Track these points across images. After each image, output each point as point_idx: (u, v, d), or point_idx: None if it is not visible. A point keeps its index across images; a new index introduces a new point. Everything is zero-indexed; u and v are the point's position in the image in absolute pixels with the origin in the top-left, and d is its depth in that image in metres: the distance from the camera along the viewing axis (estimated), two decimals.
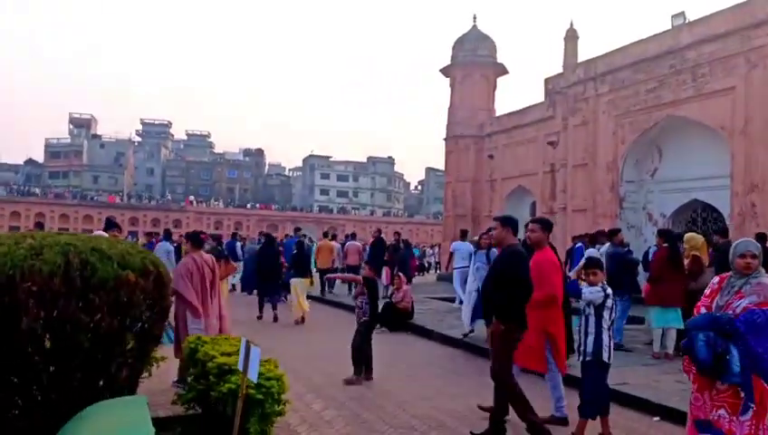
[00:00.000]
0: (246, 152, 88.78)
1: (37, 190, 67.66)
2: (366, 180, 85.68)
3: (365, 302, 6.78)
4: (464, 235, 13.30)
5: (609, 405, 4.84)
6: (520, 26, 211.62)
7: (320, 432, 4.86)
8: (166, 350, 4.96)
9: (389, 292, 12.29)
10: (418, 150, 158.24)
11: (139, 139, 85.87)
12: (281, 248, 14.96)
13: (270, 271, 11.84)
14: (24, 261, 3.02)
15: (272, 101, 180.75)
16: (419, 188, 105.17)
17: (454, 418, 5.40)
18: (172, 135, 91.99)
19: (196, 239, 6.29)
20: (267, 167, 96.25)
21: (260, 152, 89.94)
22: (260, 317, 11.45)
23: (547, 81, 18.53)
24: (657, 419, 5.44)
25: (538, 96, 21.03)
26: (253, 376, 3.29)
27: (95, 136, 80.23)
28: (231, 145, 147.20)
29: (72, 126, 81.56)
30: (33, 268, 3.02)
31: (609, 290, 4.88)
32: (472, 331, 8.97)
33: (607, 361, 4.73)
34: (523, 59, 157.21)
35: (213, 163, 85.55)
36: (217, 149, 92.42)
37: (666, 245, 7.96)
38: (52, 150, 76.44)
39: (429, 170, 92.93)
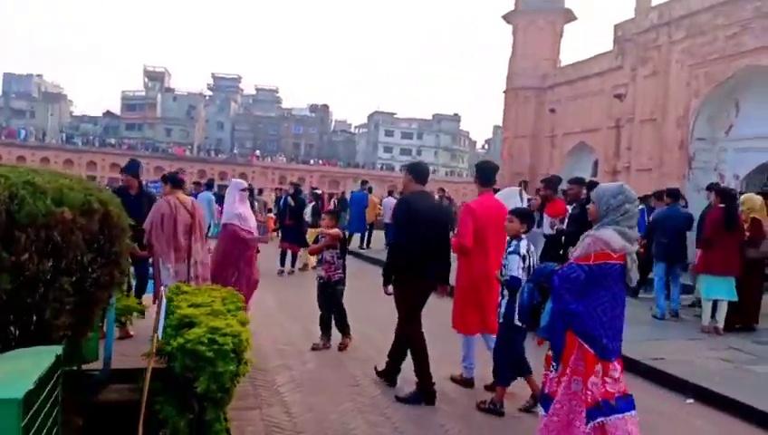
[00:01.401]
0: (312, 108, 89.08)
1: (113, 141, 70.59)
2: (430, 138, 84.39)
3: (336, 256, 6.17)
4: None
5: (529, 366, 4.45)
6: None
7: (303, 394, 4.53)
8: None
9: None
10: (487, 107, 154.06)
11: (210, 93, 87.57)
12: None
13: (293, 221, 11.61)
14: None
15: (341, 57, 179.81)
16: (486, 146, 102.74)
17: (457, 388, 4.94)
18: (242, 89, 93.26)
19: (174, 180, 6.00)
20: (333, 123, 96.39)
21: (325, 108, 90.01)
22: (281, 272, 11.28)
23: (617, 27, 17.00)
24: (690, 401, 4.79)
25: (607, 45, 19.44)
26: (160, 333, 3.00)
27: (168, 89, 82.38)
28: (298, 100, 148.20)
29: (146, 79, 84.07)
30: None
31: (523, 244, 4.40)
32: None
33: (519, 324, 4.19)
34: (594, 3, 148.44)
35: (280, 118, 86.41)
36: (285, 105, 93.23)
37: (722, 205, 7.05)
38: (128, 103, 79.23)
39: (497, 128, 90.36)
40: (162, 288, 4.14)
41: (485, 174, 5.03)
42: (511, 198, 11.09)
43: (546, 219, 8.16)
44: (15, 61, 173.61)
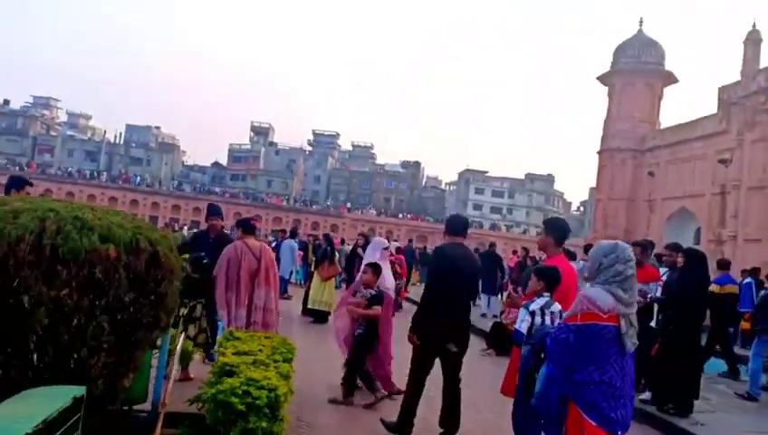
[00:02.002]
0: (404, 164, 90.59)
1: (217, 190, 74.85)
2: (522, 198, 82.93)
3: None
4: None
5: None
6: (692, 29, 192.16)
7: None
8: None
9: (500, 311, 11.32)
10: (583, 168, 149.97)
11: (309, 148, 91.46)
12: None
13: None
14: None
15: (435, 116, 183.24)
16: (581, 208, 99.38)
17: None
18: (339, 145, 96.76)
19: (245, 225, 6.04)
20: (425, 179, 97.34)
21: (417, 165, 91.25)
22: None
23: (721, 90, 16.09)
24: None
25: (710, 108, 18.36)
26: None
27: (272, 143, 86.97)
28: (392, 157, 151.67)
29: (252, 133, 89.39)
30: (2, 232, 2.82)
31: (538, 302, 4.06)
32: None
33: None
34: (695, 66, 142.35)
35: (373, 173, 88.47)
36: (379, 161, 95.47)
37: None
38: (235, 155, 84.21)
39: (593, 190, 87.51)
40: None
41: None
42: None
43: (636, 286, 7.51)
44: (136, 113, 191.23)
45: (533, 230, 78.07)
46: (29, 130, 77.14)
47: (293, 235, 15.44)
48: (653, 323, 6.77)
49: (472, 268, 4.84)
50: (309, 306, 11.13)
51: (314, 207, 74.20)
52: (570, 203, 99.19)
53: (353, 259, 11.12)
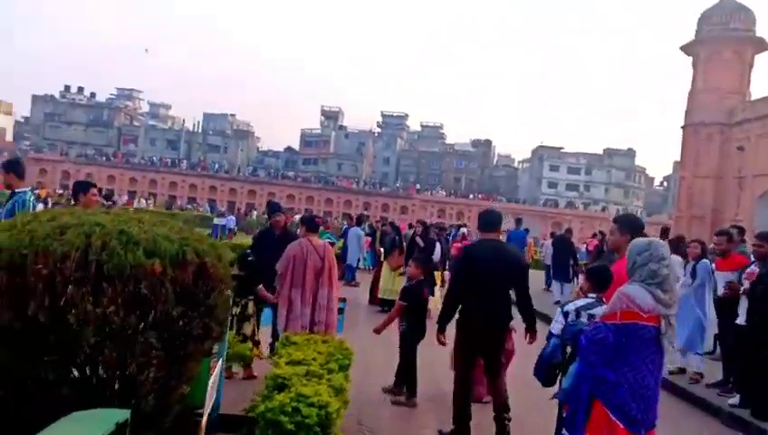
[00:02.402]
0: (475, 143, 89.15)
1: (290, 174, 76.50)
2: (600, 174, 79.77)
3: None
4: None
5: None
6: None
7: None
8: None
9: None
10: (667, 142, 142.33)
11: (378, 130, 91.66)
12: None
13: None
14: (44, 240, 2.83)
15: (507, 92, 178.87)
16: (665, 184, 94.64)
17: None
18: (408, 126, 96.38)
19: (309, 223, 5.96)
20: (496, 157, 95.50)
21: (488, 143, 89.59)
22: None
23: None
24: None
25: None
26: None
27: (341, 127, 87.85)
28: (462, 136, 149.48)
29: (323, 118, 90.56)
30: (48, 249, 2.80)
31: (577, 302, 3.78)
32: (683, 370, 7.25)
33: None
34: None
35: (442, 153, 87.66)
36: (449, 140, 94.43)
37: None
38: (306, 140, 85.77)
39: (677, 165, 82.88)
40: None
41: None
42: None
43: (719, 276, 6.87)
44: (213, 101, 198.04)
45: (613, 208, 75.09)
46: (114, 121, 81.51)
47: (360, 222, 15.41)
48: (740, 320, 6.18)
49: (506, 265, 4.63)
50: (380, 296, 11.03)
51: (384, 189, 74.42)
52: (652, 178, 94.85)
53: (412, 248, 10.72)
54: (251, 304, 5.93)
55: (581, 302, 3.75)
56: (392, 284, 11.17)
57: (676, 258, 10.42)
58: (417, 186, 76.26)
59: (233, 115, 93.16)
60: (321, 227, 26.81)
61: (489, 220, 4.79)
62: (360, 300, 11.54)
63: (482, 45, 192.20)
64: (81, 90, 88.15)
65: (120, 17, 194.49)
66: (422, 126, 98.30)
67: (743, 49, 19.28)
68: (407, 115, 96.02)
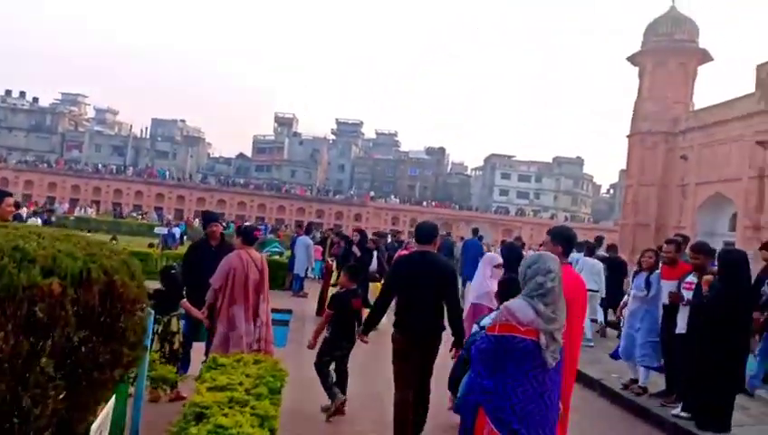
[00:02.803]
0: (429, 151, 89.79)
1: (241, 181, 75.18)
2: (550, 182, 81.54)
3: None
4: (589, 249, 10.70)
5: None
6: (728, 4, 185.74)
7: None
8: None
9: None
10: (613, 150, 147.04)
11: (333, 137, 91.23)
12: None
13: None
14: None
15: (460, 101, 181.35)
16: (611, 191, 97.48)
17: None
18: (363, 134, 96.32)
19: (246, 235, 5.68)
20: (450, 165, 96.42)
21: (442, 151, 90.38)
22: None
23: (760, 68, 15.15)
24: None
25: (748, 87, 17.37)
26: None
27: (296, 134, 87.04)
28: (417, 144, 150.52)
29: (276, 124, 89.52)
30: None
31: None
32: (635, 381, 7.13)
33: None
34: (731, 43, 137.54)
35: (397, 161, 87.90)
36: (403, 148, 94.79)
37: None
38: (259, 146, 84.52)
39: (623, 173, 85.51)
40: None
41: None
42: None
43: (665, 285, 6.86)
44: (162, 107, 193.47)
45: (562, 215, 76.78)
46: (58, 127, 78.40)
47: (309, 231, 15.09)
48: (680, 329, 6.16)
49: (433, 276, 4.61)
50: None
51: (338, 196, 73.99)
52: (599, 186, 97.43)
53: (347, 257, 10.20)
54: (174, 321, 5.53)
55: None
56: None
57: (594, 262, 10.34)
58: (372, 193, 76.16)
59: (183, 121, 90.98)
60: (272, 236, 26.30)
61: (422, 232, 4.82)
62: (307, 311, 11.21)
63: (439, 53, 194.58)
64: (23, 94, 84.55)
65: (58, 20, 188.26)
66: (377, 133, 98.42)
67: (687, 60, 19.92)
68: (361, 122, 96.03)
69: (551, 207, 79.94)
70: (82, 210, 51.89)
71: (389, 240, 20.16)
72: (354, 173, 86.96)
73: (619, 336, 8.46)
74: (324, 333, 5.56)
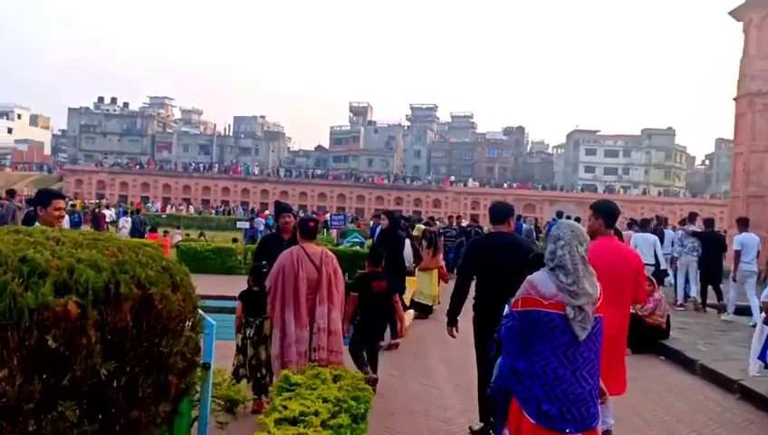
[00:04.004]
0: (507, 131, 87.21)
1: (320, 172, 76.07)
2: (639, 155, 77.00)
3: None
4: (744, 223, 10.01)
5: None
6: None
7: None
8: None
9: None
10: (707, 119, 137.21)
11: (408, 123, 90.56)
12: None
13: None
14: None
15: (538, 77, 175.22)
16: (707, 162, 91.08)
17: None
18: (437, 118, 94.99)
19: (302, 227, 4.89)
20: (529, 145, 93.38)
21: (520, 130, 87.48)
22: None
23: None
24: None
25: None
26: None
27: (370, 122, 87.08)
28: (494, 125, 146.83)
29: (351, 114, 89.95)
30: None
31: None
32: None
33: None
34: None
35: (474, 143, 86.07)
36: (480, 129, 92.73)
37: None
38: (336, 137, 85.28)
39: (720, 142, 79.36)
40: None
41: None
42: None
43: None
44: (244, 104, 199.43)
45: (654, 190, 72.37)
46: (147, 130, 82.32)
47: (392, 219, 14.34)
48: None
49: (514, 257, 4.19)
50: (415, 299, 10.02)
51: (415, 183, 73.20)
52: (693, 157, 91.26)
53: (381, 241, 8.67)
54: (267, 324, 4.92)
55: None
56: (428, 286, 10.19)
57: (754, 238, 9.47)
58: (452, 178, 74.83)
59: (263, 117, 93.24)
60: (353, 226, 25.95)
61: (495, 211, 4.67)
62: None
63: (511, 30, 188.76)
64: (114, 100, 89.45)
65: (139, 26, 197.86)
66: (452, 116, 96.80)
67: None
68: (436, 106, 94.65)
69: (641, 182, 75.54)
70: (173, 208, 54.18)
71: (443, 225, 19.09)
72: (431, 158, 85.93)
73: (754, 326, 7.25)
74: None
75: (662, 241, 11.10)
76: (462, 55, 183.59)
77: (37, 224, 4.18)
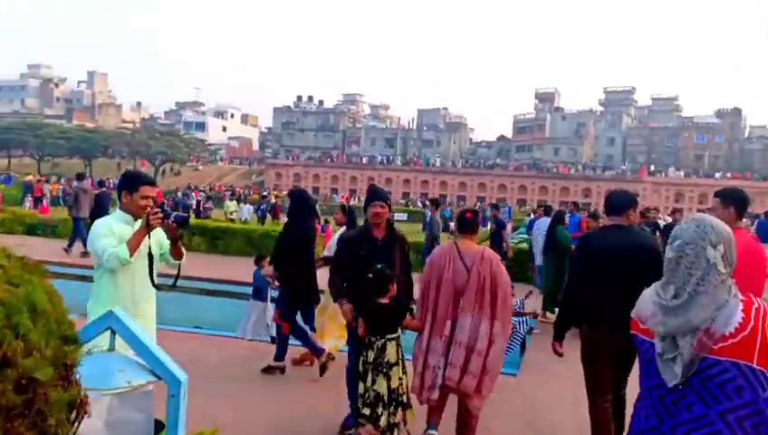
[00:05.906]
0: (720, 113, 76.67)
1: (499, 162, 74.10)
2: None
3: None
4: None
5: None
6: None
7: None
8: None
9: None
10: None
11: (600, 108, 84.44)
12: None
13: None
14: None
15: (752, 53, 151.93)
16: None
17: None
18: (635, 101, 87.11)
19: (459, 220, 4.13)
20: (748, 129, 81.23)
21: (737, 112, 76.28)
22: None
23: None
24: None
25: None
26: None
27: (557, 109, 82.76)
28: (704, 107, 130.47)
29: (537, 101, 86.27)
30: None
31: None
32: None
33: None
34: None
35: (679, 128, 77.25)
36: (686, 113, 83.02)
37: None
38: (519, 126, 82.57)
39: None
40: None
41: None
42: None
43: None
44: (428, 98, 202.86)
45: None
46: (339, 125, 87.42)
47: (548, 212, 12.64)
48: None
49: (632, 256, 3.64)
50: None
51: (607, 172, 67.58)
52: None
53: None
54: (392, 346, 3.71)
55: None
56: None
57: None
58: (652, 167, 67.85)
59: (445, 108, 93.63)
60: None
61: (612, 201, 3.93)
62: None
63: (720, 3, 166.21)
64: (310, 99, 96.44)
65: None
66: (653, 99, 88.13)
67: None
68: (634, 89, 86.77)
69: None
70: (357, 200, 56.62)
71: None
72: (626, 146, 78.96)
73: None
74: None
75: None
76: (664, 33, 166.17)
77: (117, 211, 3.61)
